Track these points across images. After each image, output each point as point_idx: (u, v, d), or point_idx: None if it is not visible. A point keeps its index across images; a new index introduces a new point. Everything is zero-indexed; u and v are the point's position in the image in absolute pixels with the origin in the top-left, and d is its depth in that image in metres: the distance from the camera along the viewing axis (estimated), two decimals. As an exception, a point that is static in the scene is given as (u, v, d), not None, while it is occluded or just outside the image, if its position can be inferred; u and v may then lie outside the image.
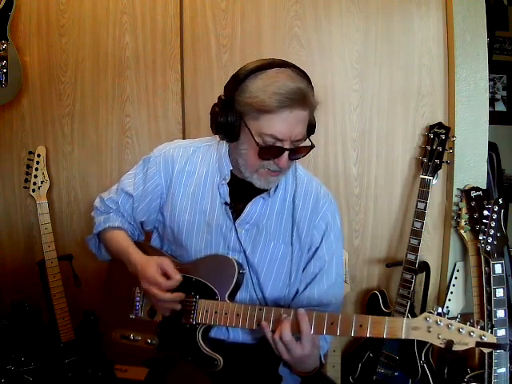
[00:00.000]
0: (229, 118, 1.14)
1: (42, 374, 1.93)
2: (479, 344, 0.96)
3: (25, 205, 2.14)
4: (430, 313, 1.00)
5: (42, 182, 2.00)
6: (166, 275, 1.19)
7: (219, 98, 1.19)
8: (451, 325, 0.97)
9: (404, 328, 1.00)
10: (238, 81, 1.13)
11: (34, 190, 1.99)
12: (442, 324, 0.98)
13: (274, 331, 1.10)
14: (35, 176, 1.99)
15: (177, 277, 1.19)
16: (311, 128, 1.20)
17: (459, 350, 0.97)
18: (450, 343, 0.96)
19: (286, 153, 1.14)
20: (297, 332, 1.08)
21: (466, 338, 0.96)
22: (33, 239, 2.15)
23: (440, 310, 1.01)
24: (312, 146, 1.18)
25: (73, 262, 2.03)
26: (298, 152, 1.16)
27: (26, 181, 2.00)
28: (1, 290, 2.16)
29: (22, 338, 1.97)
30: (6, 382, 1.87)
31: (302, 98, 1.10)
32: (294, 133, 1.12)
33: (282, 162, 1.14)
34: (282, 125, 1.10)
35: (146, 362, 1.32)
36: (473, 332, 0.96)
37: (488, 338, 0.96)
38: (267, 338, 1.11)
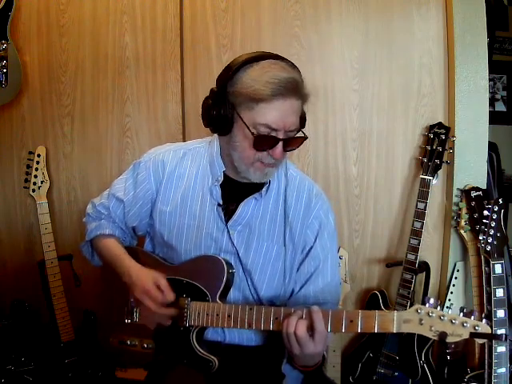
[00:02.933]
0: (221, 110, 1.13)
1: (42, 374, 1.93)
2: (473, 335, 0.92)
3: (25, 205, 2.14)
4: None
5: (41, 182, 2.00)
6: (161, 291, 1.19)
7: (211, 90, 1.18)
8: (443, 316, 0.94)
9: (395, 321, 0.98)
10: (231, 72, 1.13)
11: (33, 190, 1.99)
12: (434, 315, 0.95)
13: (265, 329, 1.09)
14: (35, 176, 1.99)
15: (170, 295, 1.18)
16: (302, 121, 1.20)
17: (454, 341, 0.94)
18: (443, 335, 0.93)
19: (281, 143, 1.13)
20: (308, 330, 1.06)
21: (459, 328, 0.93)
22: (33, 239, 2.15)
23: (432, 301, 0.97)
24: (305, 137, 1.18)
25: (73, 262, 2.03)
26: (291, 143, 1.16)
27: (26, 181, 2.00)
28: (1, 290, 2.16)
29: (22, 338, 1.97)
30: (6, 382, 1.87)
31: (296, 87, 1.11)
32: (287, 122, 1.12)
33: (276, 153, 1.14)
34: (276, 114, 1.10)
35: (145, 365, 1.31)
36: (466, 322, 0.93)
37: (482, 328, 0.92)
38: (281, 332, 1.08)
